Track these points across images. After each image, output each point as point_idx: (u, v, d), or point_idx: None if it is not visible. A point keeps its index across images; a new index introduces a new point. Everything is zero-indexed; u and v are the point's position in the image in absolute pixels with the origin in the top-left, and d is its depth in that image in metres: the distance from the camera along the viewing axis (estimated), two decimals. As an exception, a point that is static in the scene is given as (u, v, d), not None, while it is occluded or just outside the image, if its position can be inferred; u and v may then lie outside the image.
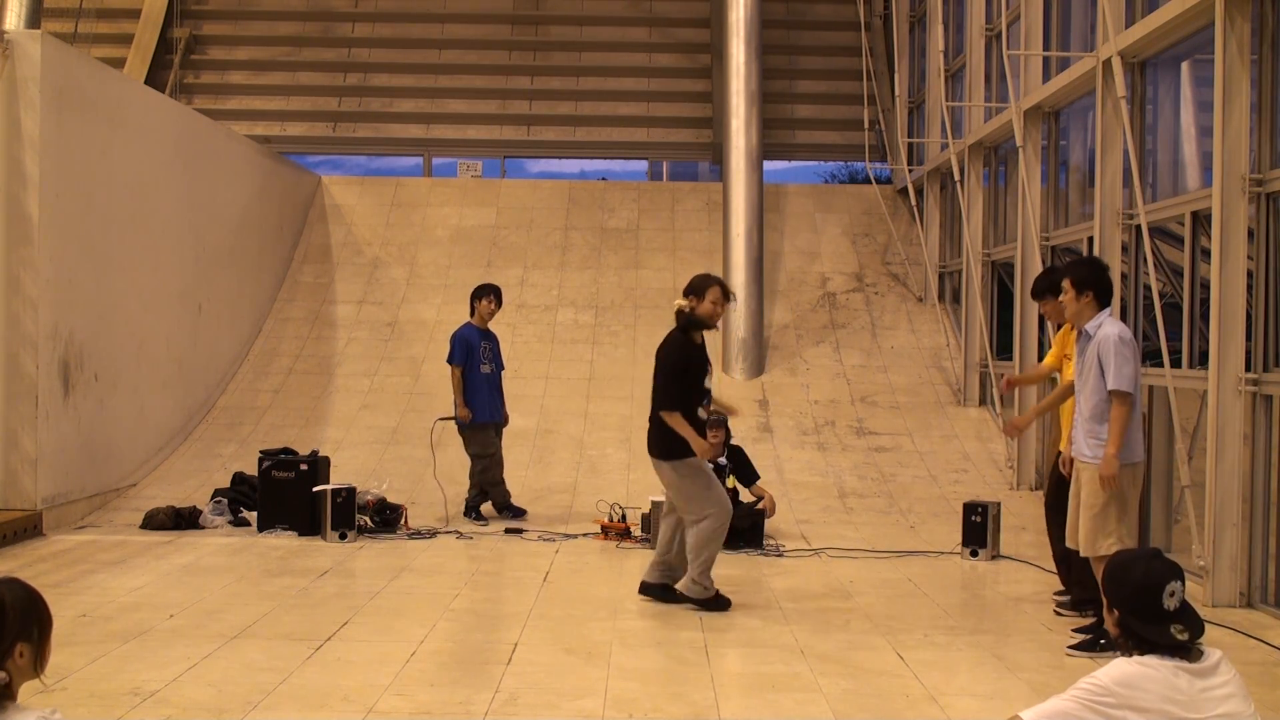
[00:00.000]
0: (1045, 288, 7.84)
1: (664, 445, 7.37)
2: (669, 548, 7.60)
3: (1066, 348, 7.73)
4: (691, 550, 7.35)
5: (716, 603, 7.34)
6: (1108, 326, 6.58)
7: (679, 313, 7.41)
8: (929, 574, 8.69)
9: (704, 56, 18.98)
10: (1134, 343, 6.67)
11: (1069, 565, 7.51)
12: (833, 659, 6.28)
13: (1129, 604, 3.36)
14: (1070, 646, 6.62)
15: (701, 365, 7.44)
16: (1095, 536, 6.55)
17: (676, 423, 7.25)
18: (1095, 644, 6.52)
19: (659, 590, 7.56)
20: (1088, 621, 7.03)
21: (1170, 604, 3.33)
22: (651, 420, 7.43)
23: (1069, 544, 6.89)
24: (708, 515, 7.31)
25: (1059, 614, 7.45)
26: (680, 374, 7.35)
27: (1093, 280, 6.65)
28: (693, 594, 7.35)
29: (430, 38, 19.36)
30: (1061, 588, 7.79)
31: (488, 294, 10.81)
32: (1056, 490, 7.57)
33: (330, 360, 14.40)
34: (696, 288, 7.44)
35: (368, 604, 7.40)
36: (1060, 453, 7.52)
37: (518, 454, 12.14)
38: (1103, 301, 6.68)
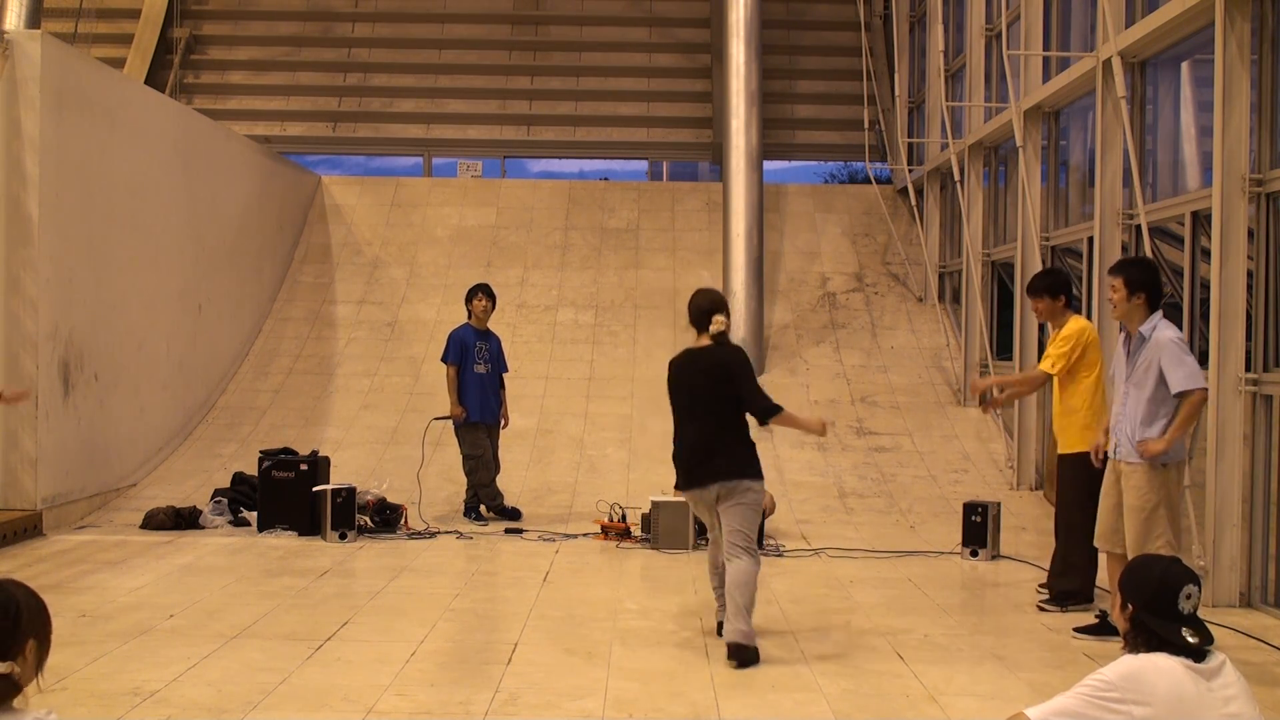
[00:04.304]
0: (1043, 287, 7.80)
1: (754, 461, 6.44)
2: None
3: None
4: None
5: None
6: (1163, 330, 6.51)
7: (722, 333, 6.53)
8: (929, 574, 8.69)
9: (704, 56, 18.97)
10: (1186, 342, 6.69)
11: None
12: (833, 659, 6.28)
13: (1145, 599, 3.37)
14: (1076, 629, 6.81)
15: None
16: (1144, 539, 6.47)
17: (788, 419, 6.48)
18: (1101, 630, 6.66)
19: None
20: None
21: (1185, 606, 3.35)
22: (730, 438, 6.39)
23: (1096, 543, 6.85)
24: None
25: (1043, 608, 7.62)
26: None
27: (1146, 282, 6.57)
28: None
29: (430, 38, 19.36)
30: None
31: (477, 293, 10.85)
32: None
33: (330, 360, 14.40)
34: (722, 305, 6.67)
35: (368, 604, 7.40)
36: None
37: (517, 454, 12.15)
38: (1154, 304, 6.59)
